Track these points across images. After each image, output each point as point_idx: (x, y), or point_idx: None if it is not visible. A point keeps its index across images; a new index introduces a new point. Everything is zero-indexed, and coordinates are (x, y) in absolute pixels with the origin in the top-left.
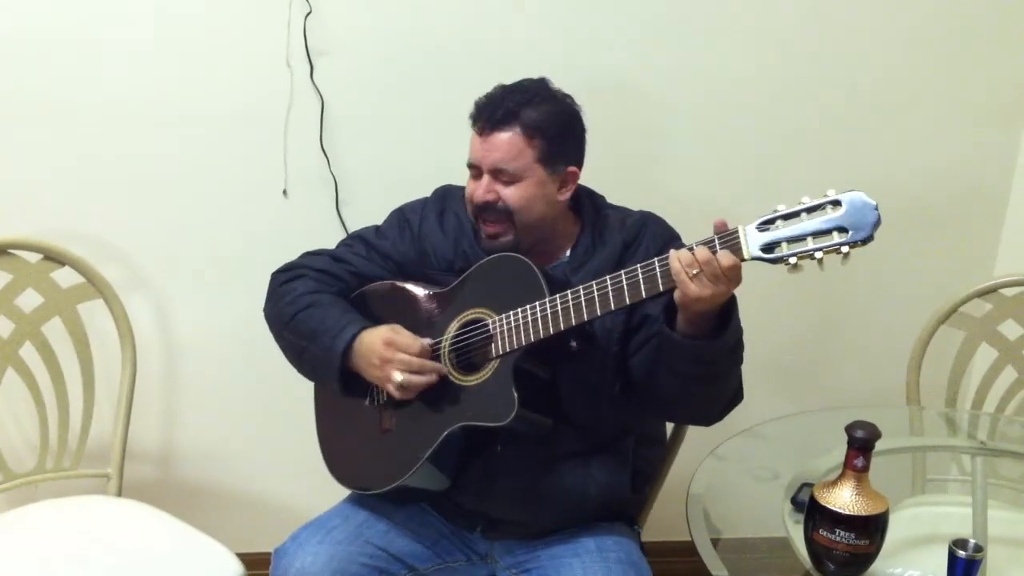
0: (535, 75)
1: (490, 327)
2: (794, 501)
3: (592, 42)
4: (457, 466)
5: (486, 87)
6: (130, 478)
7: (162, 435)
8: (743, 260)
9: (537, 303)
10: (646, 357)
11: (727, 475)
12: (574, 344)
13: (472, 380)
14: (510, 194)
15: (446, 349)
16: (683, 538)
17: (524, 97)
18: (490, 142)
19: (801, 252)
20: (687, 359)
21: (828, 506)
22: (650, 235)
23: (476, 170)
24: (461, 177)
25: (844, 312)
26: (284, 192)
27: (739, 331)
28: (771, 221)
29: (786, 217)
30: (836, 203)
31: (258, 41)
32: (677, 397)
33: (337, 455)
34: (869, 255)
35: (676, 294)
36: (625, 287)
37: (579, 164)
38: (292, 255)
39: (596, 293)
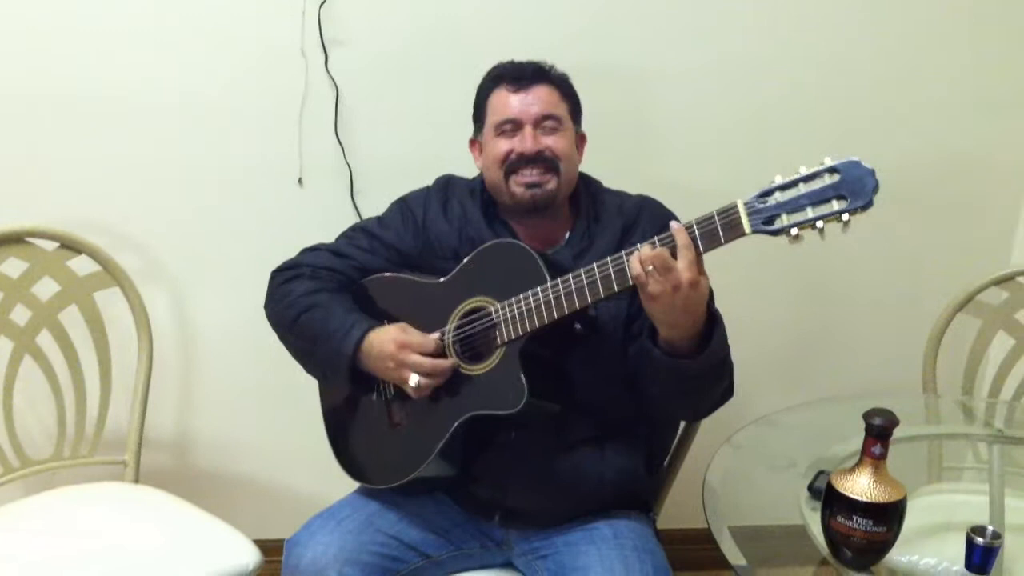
0: (556, 62)
1: (493, 315)
2: (811, 489)
3: (617, 29)
4: (469, 455)
5: None
6: (147, 465)
7: (178, 423)
8: (744, 235)
9: (539, 288)
10: (637, 351)
11: (743, 463)
12: (579, 327)
13: (479, 369)
14: (555, 142)
15: (450, 340)
16: (699, 526)
17: (542, 65)
18: (531, 94)
19: (801, 222)
20: (666, 375)
21: (846, 493)
22: (648, 216)
23: (513, 124)
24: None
25: (860, 300)
26: (299, 181)
27: (722, 350)
28: (769, 193)
29: (783, 188)
30: (833, 171)
31: (273, 30)
32: (659, 402)
33: (348, 452)
34: (885, 242)
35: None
36: (627, 265)
37: None
38: (307, 243)
39: (598, 274)
